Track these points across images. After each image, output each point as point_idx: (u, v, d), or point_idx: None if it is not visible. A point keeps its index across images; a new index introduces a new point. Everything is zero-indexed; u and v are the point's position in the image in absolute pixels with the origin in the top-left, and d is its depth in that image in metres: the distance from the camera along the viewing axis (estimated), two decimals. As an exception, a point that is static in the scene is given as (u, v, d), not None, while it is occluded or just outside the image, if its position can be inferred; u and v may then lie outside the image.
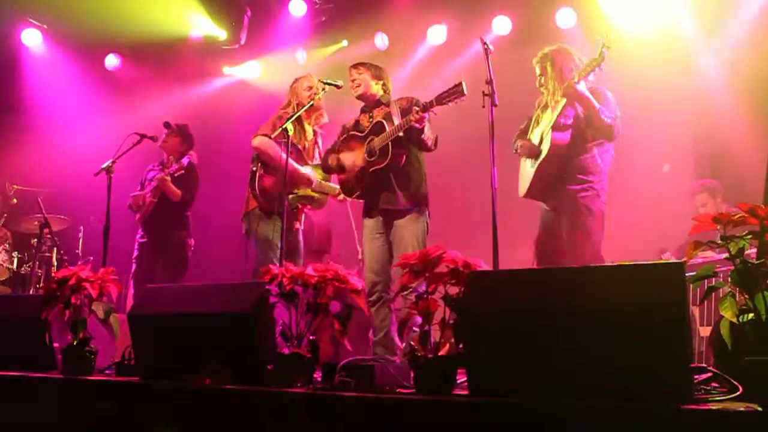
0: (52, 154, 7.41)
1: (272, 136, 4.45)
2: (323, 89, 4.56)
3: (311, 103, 4.58)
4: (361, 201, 4.46)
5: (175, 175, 5.35)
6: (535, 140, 4.32)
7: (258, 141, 4.64)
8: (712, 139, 6.14)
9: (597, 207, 4.13)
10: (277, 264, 4.50)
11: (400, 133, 4.12)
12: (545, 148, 4.19)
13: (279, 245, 4.38)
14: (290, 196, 4.57)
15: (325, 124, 4.94)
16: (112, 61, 7.86)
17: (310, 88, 4.72)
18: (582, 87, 4.08)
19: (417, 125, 4.04)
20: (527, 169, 4.35)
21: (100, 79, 7.87)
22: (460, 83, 3.91)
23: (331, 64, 7.22)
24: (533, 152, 4.29)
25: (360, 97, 4.49)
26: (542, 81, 4.34)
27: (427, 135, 4.16)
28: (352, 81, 4.49)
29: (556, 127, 4.16)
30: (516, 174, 4.45)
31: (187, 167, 5.41)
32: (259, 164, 4.70)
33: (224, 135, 7.42)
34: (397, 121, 4.18)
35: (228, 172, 6.46)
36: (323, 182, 4.77)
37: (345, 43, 7.45)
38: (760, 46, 5.72)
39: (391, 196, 4.24)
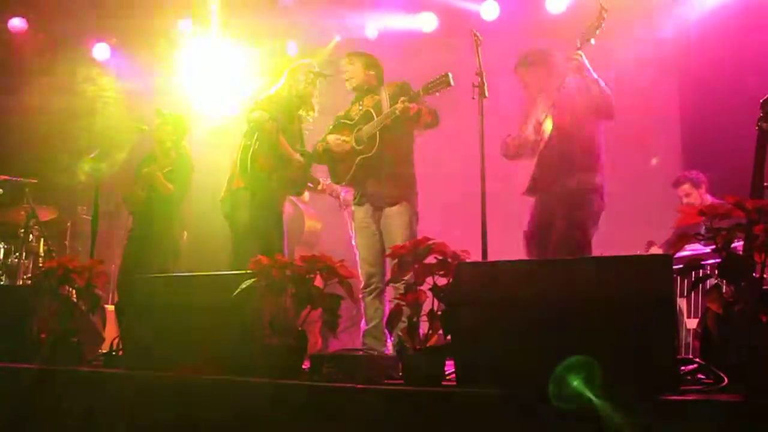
0: (40, 144, 7.35)
1: (271, 111, 4.34)
2: (313, 80, 4.54)
3: (300, 92, 4.55)
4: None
5: (165, 171, 5.29)
6: (529, 133, 4.13)
7: (259, 115, 4.43)
8: (700, 132, 6.17)
9: (597, 202, 3.97)
10: (258, 252, 4.47)
11: (388, 122, 4.12)
12: (547, 131, 3.97)
13: (262, 233, 4.35)
14: (275, 178, 4.43)
15: (315, 117, 4.90)
16: (100, 50, 7.79)
17: (308, 74, 4.65)
18: (584, 56, 3.89)
19: (403, 115, 4.03)
20: (525, 163, 4.13)
21: (92, 68, 7.81)
22: (447, 74, 3.92)
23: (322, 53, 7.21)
24: (526, 145, 4.09)
25: (353, 89, 4.49)
26: (528, 89, 4.20)
27: (425, 117, 4.15)
28: (346, 72, 4.48)
29: (555, 108, 3.96)
30: (508, 164, 4.38)
31: (177, 160, 5.36)
32: (255, 139, 4.50)
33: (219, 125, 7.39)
34: (386, 109, 4.18)
35: (221, 162, 6.43)
36: (308, 171, 4.74)
37: (337, 38, 7.43)
38: (746, 35, 5.74)
39: (379, 184, 4.25)
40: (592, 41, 3.87)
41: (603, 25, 3.81)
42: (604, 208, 4.02)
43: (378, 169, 4.23)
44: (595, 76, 3.92)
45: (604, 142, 4.08)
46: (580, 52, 3.87)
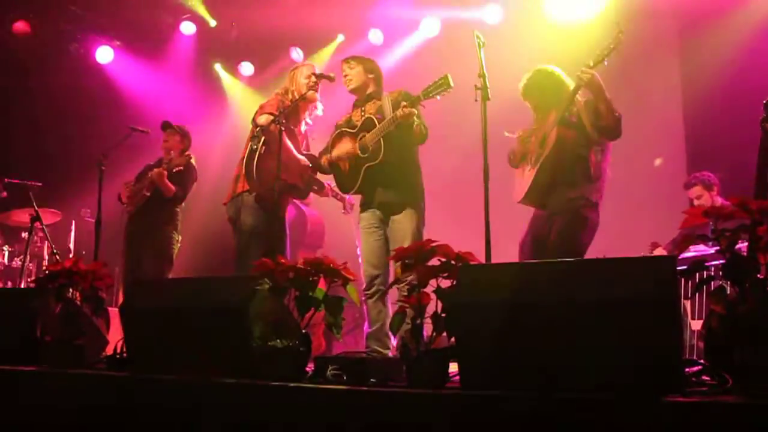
0: (44, 147, 7.38)
1: (278, 115, 4.37)
2: (316, 82, 4.54)
3: (304, 95, 4.57)
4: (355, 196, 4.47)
5: (174, 170, 5.30)
6: (533, 145, 4.11)
7: (265, 119, 4.44)
8: (704, 133, 6.16)
9: (593, 219, 3.96)
10: (261, 255, 4.48)
11: (392, 128, 4.11)
12: (550, 144, 3.97)
13: (265, 237, 4.36)
14: (279, 182, 4.39)
15: (317, 118, 4.91)
16: (104, 53, 7.82)
17: (310, 76, 4.68)
18: (597, 77, 3.84)
19: (405, 120, 4.02)
20: (525, 172, 4.14)
21: (93, 72, 7.84)
22: (446, 76, 3.92)
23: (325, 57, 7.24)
24: (530, 156, 4.07)
25: (353, 91, 4.49)
26: (535, 108, 4.18)
27: (416, 129, 4.14)
28: (345, 76, 4.47)
29: (563, 123, 3.95)
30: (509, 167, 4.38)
31: (187, 164, 5.38)
32: (261, 143, 4.51)
33: (218, 129, 7.41)
34: (388, 115, 4.17)
35: (217, 169, 6.46)
36: (313, 175, 4.75)
37: (341, 38, 7.44)
38: (751, 34, 5.73)
39: (386, 191, 4.25)
40: (605, 62, 3.82)
41: (619, 47, 3.76)
42: (598, 224, 3.99)
43: (385, 177, 4.22)
44: (608, 95, 3.87)
45: (609, 160, 4.07)
46: (591, 71, 3.82)
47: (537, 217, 4.14)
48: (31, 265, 6.55)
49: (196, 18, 7.58)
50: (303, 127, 4.83)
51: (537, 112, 4.20)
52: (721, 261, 2.10)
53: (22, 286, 6.21)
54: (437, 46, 7.10)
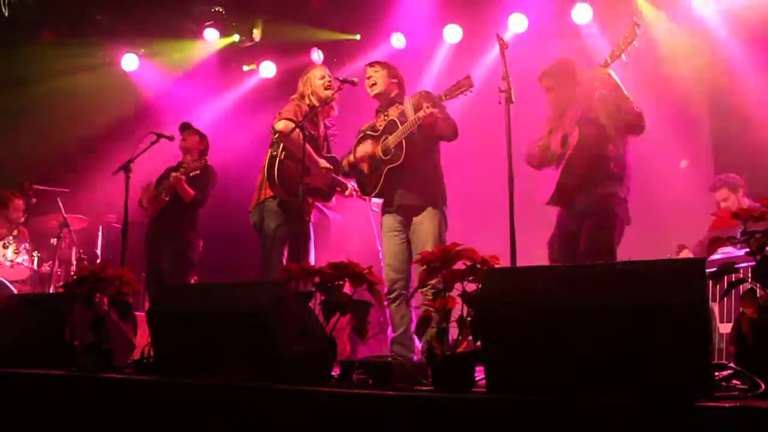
0: (71, 154, 7.47)
1: (299, 121, 4.39)
2: (339, 87, 4.56)
3: (325, 99, 4.59)
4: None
5: (191, 174, 5.33)
6: (555, 146, 4.09)
7: (283, 125, 4.47)
8: (731, 133, 6.08)
9: (623, 215, 3.93)
10: (285, 261, 4.51)
11: (414, 129, 4.12)
12: (572, 143, 3.94)
13: (289, 241, 4.37)
14: (303, 186, 4.41)
15: (335, 118, 4.92)
16: (129, 61, 7.89)
17: (323, 77, 4.72)
18: (613, 72, 3.84)
19: (427, 121, 4.02)
20: (549, 173, 4.11)
21: (118, 79, 7.92)
22: (468, 76, 3.92)
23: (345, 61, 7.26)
24: (552, 158, 4.05)
25: (377, 96, 4.50)
26: (552, 98, 4.16)
27: (443, 127, 4.14)
28: (368, 78, 4.49)
29: (582, 121, 3.92)
30: (533, 170, 4.36)
31: (204, 168, 5.40)
32: (281, 149, 4.58)
33: (242, 134, 7.45)
34: (411, 117, 4.18)
35: (240, 174, 6.49)
36: (335, 177, 4.77)
37: (358, 36, 7.45)
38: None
39: (407, 193, 4.25)
40: (624, 57, 3.80)
41: (636, 42, 3.75)
42: (630, 221, 3.98)
43: (406, 178, 4.22)
44: (626, 92, 3.86)
45: (632, 156, 4.04)
46: (607, 69, 3.81)
47: (565, 215, 4.09)
48: (59, 270, 6.63)
49: (218, 25, 7.64)
50: (322, 129, 4.86)
51: (551, 100, 4.17)
52: (751, 263, 2.08)
53: (51, 291, 6.29)
54: (460, 52, 7.07)
